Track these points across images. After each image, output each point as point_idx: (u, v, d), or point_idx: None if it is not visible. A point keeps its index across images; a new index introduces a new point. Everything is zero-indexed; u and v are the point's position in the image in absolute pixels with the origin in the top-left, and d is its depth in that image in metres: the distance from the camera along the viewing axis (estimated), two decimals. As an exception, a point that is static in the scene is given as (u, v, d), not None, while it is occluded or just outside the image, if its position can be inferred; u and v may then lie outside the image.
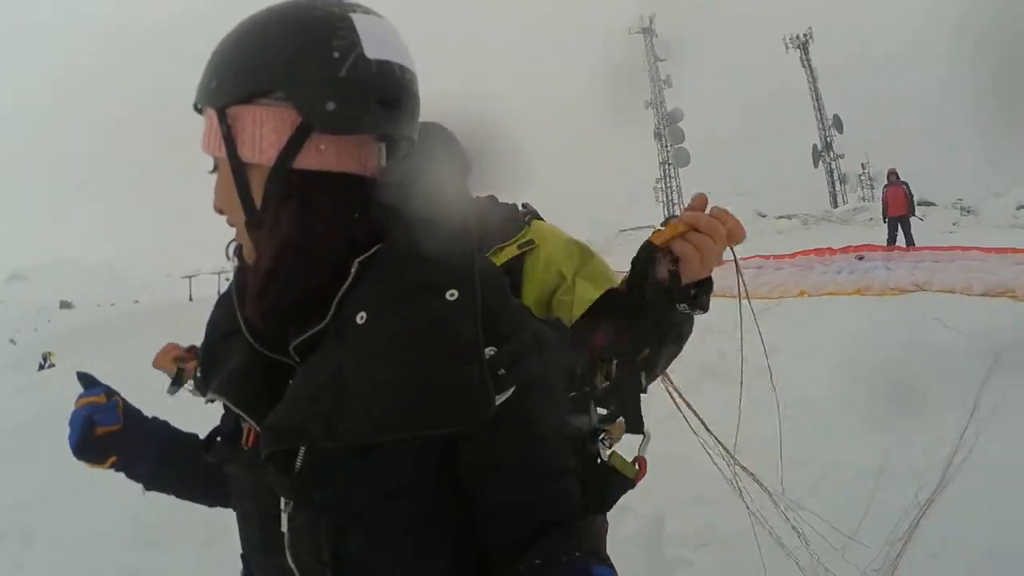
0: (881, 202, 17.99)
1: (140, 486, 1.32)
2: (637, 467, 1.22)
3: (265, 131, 1.00)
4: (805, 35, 39.07)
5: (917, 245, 14.51)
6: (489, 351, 0.92)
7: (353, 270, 0.99)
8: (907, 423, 4.71)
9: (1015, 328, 6.23)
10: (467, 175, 1.84)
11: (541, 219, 1.99)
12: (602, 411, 1.63)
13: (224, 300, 1.17)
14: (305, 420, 0.93)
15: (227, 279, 1.20)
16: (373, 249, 1.00)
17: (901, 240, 15.87)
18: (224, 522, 1.22)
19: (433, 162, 1.27)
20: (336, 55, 0.98)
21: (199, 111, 1.06)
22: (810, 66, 38.87)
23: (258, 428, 0.99)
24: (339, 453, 0.93)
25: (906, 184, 16.96)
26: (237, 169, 1.02)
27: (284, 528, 0.99)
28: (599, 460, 1.27)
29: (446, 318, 0.92)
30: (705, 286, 1.25)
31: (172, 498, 1.35)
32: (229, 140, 1.01)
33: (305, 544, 0.97)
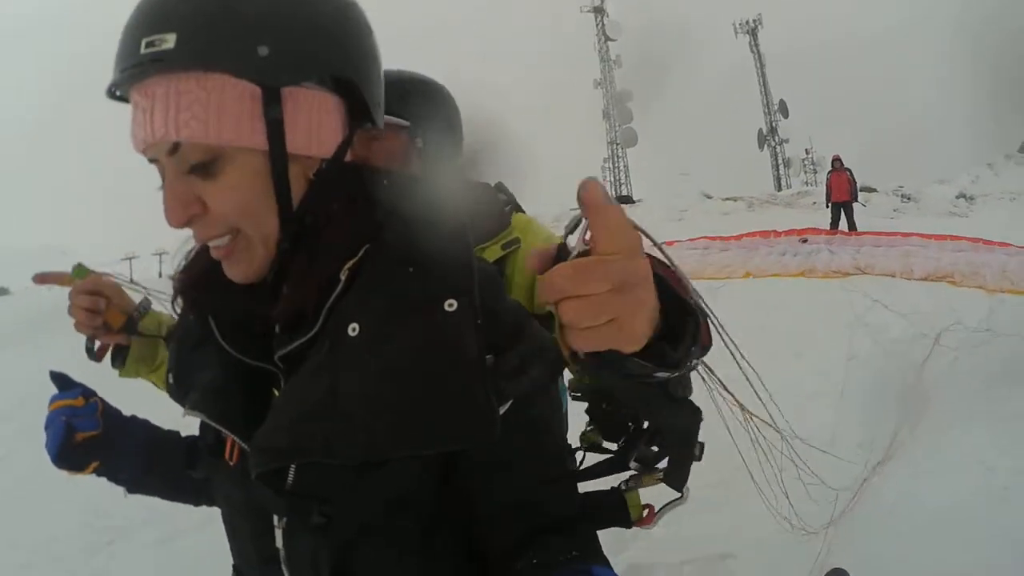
0: (825, 187, 18.31)
1: (105, 484, 1.22)
2: (644, 512, 1.10)
3: (326, 119, 0.91)
4: (755, 21, 39.60)
5: (859, 230, 14.86)
6: (488, 359, 0.86)
7: (343, 276, 0.89)
8: (855, 400, 4.82)
9: (953, 311, 6.39)
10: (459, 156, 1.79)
11: (521, 210, 1.83)
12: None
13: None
14: (301, 439, 0.87)
15: (168, 259, 1.08)
16: (361, 252, 0.91)
17: (844, 225, 16.18)
18: (180, 519, 1.12)
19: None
20: (377, 52, 0.97)
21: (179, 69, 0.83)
22: (758, 51, 39.46)
23: (243, 444, 0.93)
24: (337, 468, 0.86)
25: (849, 171, 17.26)
26: (281, 162, 0.87)
27: (279, 545, 0.93)
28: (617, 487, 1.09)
29: (446, 332, 0.85)
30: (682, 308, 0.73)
31: (127, 498, 1.26)
32: (278, 127, 0.85)
33: (303, 561, 0.92)
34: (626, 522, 1.08)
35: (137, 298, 1.38)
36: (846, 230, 15.33)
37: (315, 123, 0.89)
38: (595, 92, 40.20)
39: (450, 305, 0.85)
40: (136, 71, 0.82)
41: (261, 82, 0.84)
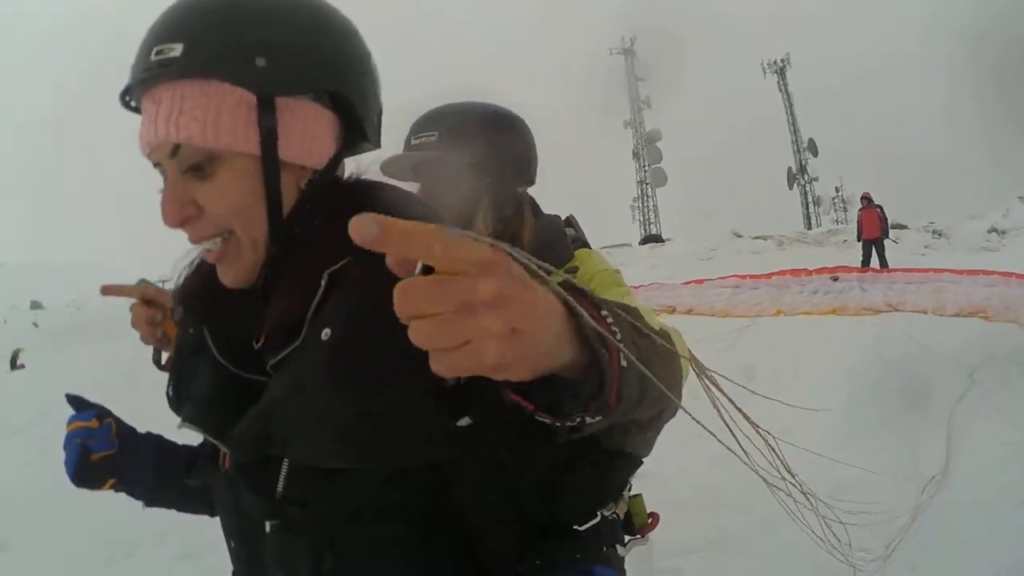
0: (856, 225, 18.24)
1: (133, 500, 1.28)
2: (649, 520, 1.14)
3: (319, 131, 0.95)
4: (782, 60, 39.79)
5: (891, 267, 14.77)
6: None
7: (323, 282, 0.90)
8: (888, 439, 4.82)
9: (986, 347, 6.37)
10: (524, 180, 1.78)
11: (588, 245, 1.81)
12: None
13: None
14: (265, 433, 0.89)
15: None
16: (343, 262, 0.90)
17: (875, 262, 16.07)
18: (201, 533, 1.19)
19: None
20: (375, 74, 1.01)
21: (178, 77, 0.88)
22: (787, 91, 39.55)
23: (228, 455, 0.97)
24: (317, 473, 0.87)
25: (880, 207, 17.20)
26: (273, 169, 0.91)
27: (270, 548, 0.95)
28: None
29: (408, 347, 0.75)
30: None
31: (148, 510, 1.30)
32: (271, 134, 0.90)
33: (293, 564, 0.94)
34: (630, 528, 1.09)
35: None
36: (877, 267, 15.22)
37: (308, 134, 0.94)
38: (625, 132, 40.48)
39: None
40: (146, 75, 0.88)
41: (257, 91, 0.89)
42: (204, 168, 0.89)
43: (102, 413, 1.24)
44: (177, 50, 0.87)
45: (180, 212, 0.91)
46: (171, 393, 1.08)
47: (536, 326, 0.57)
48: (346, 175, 1.02)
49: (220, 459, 1.03)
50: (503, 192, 1.71)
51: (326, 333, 0.86)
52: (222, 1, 0.90)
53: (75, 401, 1.25)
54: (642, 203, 40.41)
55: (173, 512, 1.32)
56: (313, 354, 0.87)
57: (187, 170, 0.90)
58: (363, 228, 0.51)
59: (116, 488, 1.23)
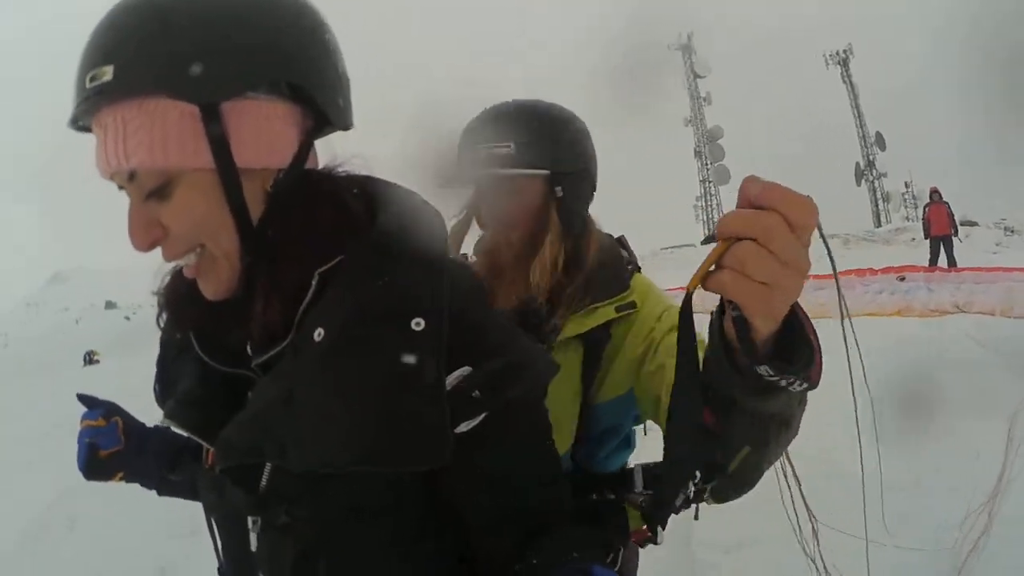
0: (922, 221, 17.91)
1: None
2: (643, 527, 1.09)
3: (276, 128, 0.90)
4: (845, 51, 38.75)
5: (960, 266, 14.48)
6: (463, 371, 0.85)
7: (314, 282, 0.89)
8: (939, 441, 4.81)
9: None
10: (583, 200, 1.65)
11: (639, 269, 1.69)
12: (639, 483, 1.45)
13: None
14: (259, 440, 0.87)
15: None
16: (335, 261, 0.90)
17: (943, 260, 15.77)
18: None
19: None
20: (332, 47, 0.95)
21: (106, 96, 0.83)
22: (851, 82, 38.47)
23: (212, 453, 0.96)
24: (303, 472, 0.86)
25: (948, 204, 16.88)
26: (231, 179, 0.87)
27: (253, 548, 0.95)
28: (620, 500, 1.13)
29: (408, 351, 0.83)
30: (800, 337, 0.77)
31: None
32: (222, 143, 0.85)
33: (276, 562, 0.94)
34: (624, 535, 1.08)
35: None
36: (945, 266, 14.93)
37: (264, 135, 0.88)
38: (686, 130, 40.06)
39: (417, 324, 0.84)
40: (84, 106, 0.84)
41: (197, 100, 0.83)
42: (163, 190, 0.86)
43: (110, 412, 1.29)
44: (108, 73, 0.82)
45: (147, 236, 0.88)
46: (157, 389, 1.08)
47: (798, 295, 0.73)
48: (324, 164, 0.99)
49: (204, 455, 1.03)
50: (575, 208, 1.60)
51: (319, 333, 0.85)
52: (147, 12, 0.83)
53: (86, 400, 1.30)
54: (705, 202, 39.93)
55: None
56: (306, 356, 0.86)
57: (148, 196, 0.86)
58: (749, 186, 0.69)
59: (126, 480, 1.30)
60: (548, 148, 1.55)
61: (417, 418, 0.82)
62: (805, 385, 0.78)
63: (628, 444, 1.69)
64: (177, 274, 0.99)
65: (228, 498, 0.95)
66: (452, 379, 0.85)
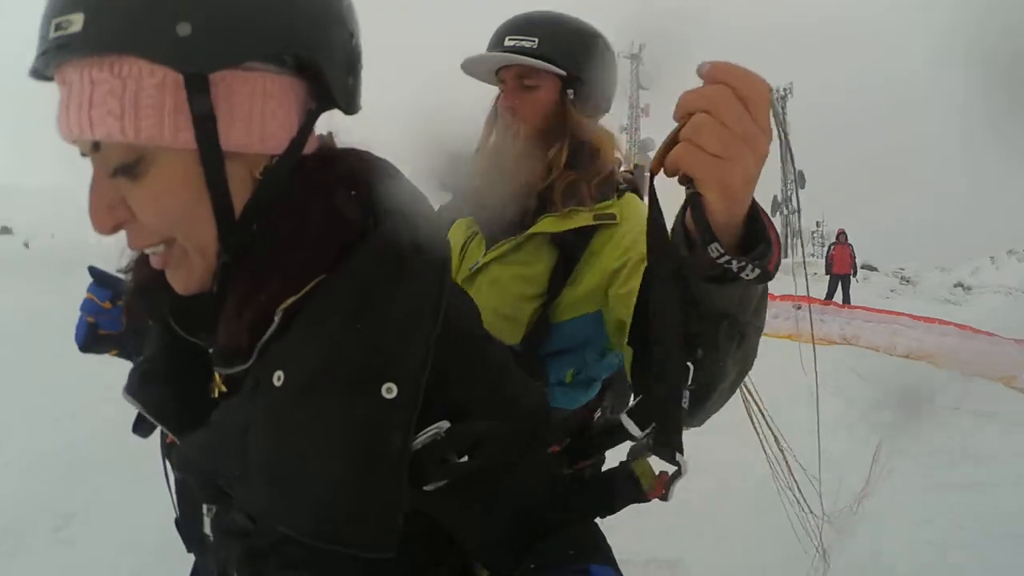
0: (825, 259, 18.74)
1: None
2: (655, 481, 1.00)
3: (274, 108, 0.77)
4: (785, 90, 39.98)
5: (853, 304, 15.19)
6: (438, 428, 0.77)
7: (276, 319, 0.77)
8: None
9: (925, 390, 6.68)
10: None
11: (639, 194, 1.67)
12: (636, 430, 1.43)
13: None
14: (218, 466, 0.83)
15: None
16: (302, 291, 0.78)
17: (839, 297, 16.49)
18: None
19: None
20: (348, 17, 0.83)
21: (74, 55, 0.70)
22: (784, 121, 39.62)
23: (176, 439, 0.89)
24: None
25: (851, 246, 17.78)
26: (215, 164, 0.75)
27: (207, 531, 0.91)
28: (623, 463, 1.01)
29: (371, 418, 0.74)
30: (756, 223, 0.77)
31: None
32: (208, 122, 0.72)
33: (226, 553, 0.89)
34: (641, 495, 0.98)
35: None
36: (839, 303, 15.64)
37: (257, 113, 0.76)
38: (619, 137, 40.49)
39: (388, 391, 0.74)
40: (44, 59, 0.71)
41: (182, 67, 0.70)
42: (133, 168, 0.73)
43: (118, 294, 1.23)
44: (77, 23, 0.68)
45: (110, 219, 0.76)
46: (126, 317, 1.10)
47: (755, 178, 0.72)
48: (319, 146, 0.87)
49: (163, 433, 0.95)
50: (583, 115, 1.63)
51: (279, 377, 0.76)
52: None
53: (97, 275, 1.24)
54: (626, 209, 40.53)
55: None
56: (263, 397, 0.77)
57: (115, 172, 0.74)
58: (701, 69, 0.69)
59: (119, 356, 1.30)
60: (569, 51, 1.58)
61: (369, 500, 0.74)
62: (758, 271, 0.74)
63: (587, 383, 1.68)
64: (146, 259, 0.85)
65: (186, 476, 0.91)
66: (424, 438, 0.77)
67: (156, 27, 0.68)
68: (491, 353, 0.89)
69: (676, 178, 0.73)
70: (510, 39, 1.59)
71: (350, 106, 0.85)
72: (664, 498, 0.97)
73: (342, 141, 0.90)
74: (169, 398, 0.88)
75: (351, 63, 0.84)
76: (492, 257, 1.64)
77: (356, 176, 0.84)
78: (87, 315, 1.25)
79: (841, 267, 17.55)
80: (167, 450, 0.95)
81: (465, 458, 0.78)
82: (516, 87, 1.63)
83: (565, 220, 1.55)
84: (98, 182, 0.75)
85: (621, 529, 1.10)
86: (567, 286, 1.56)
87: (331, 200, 0.80)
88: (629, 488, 0.95)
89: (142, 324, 1.05)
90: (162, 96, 0.70)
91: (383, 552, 0.74)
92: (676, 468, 0.91)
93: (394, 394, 0.74)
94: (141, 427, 0.95)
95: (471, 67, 1.67)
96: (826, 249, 20.74)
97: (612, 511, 0.99)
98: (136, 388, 0.89)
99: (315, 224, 0.79)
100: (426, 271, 0.80)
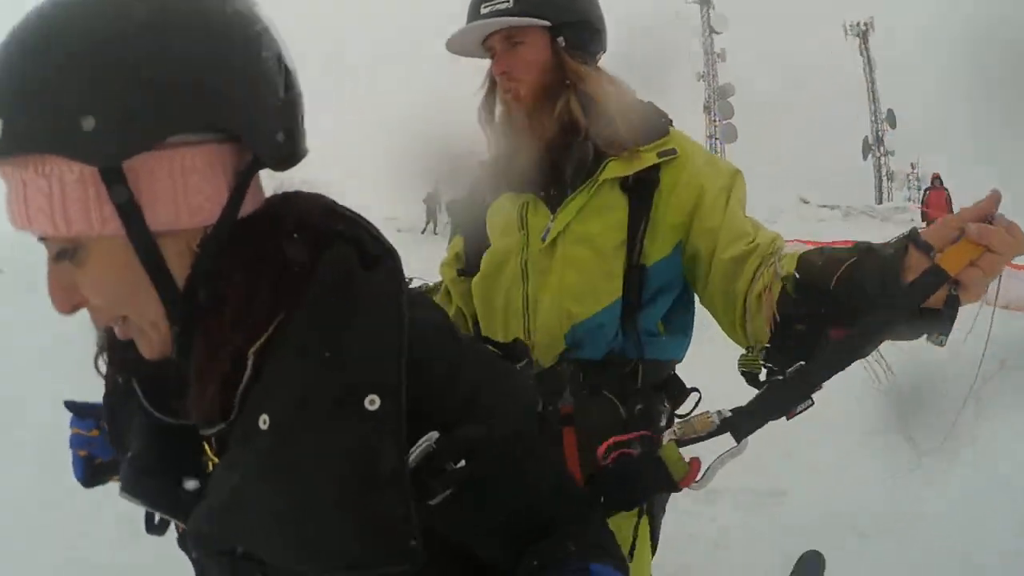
0: (921, 204, 18.30)
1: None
2: (688, 468, 1.04)
3: (196, 183, 0.77)
4: (866, 24, 38.10)
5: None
6: (429, 440, 0.79)
7: (250, 362, 0.79)
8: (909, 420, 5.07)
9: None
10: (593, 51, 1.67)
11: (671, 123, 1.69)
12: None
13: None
14: (224, 532, 0.82)
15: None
16: (271, 328, 0.79)
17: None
18: None
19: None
20: (270, 66, 0.80)
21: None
22: (868, 56, 37.97)
23: (181, 523, 0.90)
24: None
25: (948, 190, 17.21)
26: (146, 246, 0.76)
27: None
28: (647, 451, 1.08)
29: (361, 436, 0.75)
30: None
31: None
32: (130, 208, 0.73)
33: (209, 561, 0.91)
34: (671, 486, 1.02)
35: None
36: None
37: (180, 191, 0.76)
38: (697, 85, 39.57)
39: (371, 402, 0.74)
40: None
41: (93, 162, 0.71)
42: (74, 255, 0.76)
43: (98, 418, 1.19)
44: None
45: (67, 301, 0.79)
46: (106, 430, 1.02)
47: None
48: (268, 198, 0.88)
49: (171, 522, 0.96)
50: (580, 57, 1.62)
51: (264, 421, 0.76)
52: (41, 57, 0.71)
53: (74, 408, 1.23)
54: (710, 159, 39.42)
55: None
56: (254, 446, 0.77)
57: (58, 257, 0.77)
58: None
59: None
60: (543, 2, 1.56)
61: (376, 517, 0.74)
62: (943, 340, 1.01)
63: (681, 333, 1.71)
64: None
65: (206, 560, 0.93)
66: (418, 452, 0.78)
67: (62, 125, 0.69)
68: (464, 350, 0.92)
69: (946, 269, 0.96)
70: (485, 6, 1.58)
71: (282, 163, 0.85)
72: (699, 485, 1.00)
73: (291, 179, 0.90)
74: (166, 487, 0.88)
75: (283, 118, 0.83)
76: (569, 217, 1.60)
77: (301, 219, 0.84)
78: (79, 450, 1.22)
79: (937, 212, 16.91)
80: (182, 541, 0.96)
81: (462, 463, 0.80)
82: (505, 50, 1.61)
83: (632, 162, 1.56)
84: (51, 266, 0.79)
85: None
86: (648, 227, 1.57)
87: (279, 251, 0.81)
88: (657, 476, 1.02)
89: (124, 424, 1.01)
90: (84, 190, 0.72)
91: (407, 565, 0.74)
92: (737, 447, 1.03)
93: (377, 405, 0.74)
94: (152, 527, 0.96)
95: (456, 46, 1.67)
96: (922, 193, 20.21)
97: (635, 504, 1.05)
98: (132, 485, 0.89)
99: (265, 276, 0.80)
100: (378, 283, 0.81)
